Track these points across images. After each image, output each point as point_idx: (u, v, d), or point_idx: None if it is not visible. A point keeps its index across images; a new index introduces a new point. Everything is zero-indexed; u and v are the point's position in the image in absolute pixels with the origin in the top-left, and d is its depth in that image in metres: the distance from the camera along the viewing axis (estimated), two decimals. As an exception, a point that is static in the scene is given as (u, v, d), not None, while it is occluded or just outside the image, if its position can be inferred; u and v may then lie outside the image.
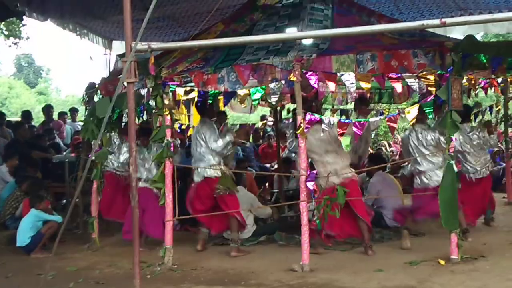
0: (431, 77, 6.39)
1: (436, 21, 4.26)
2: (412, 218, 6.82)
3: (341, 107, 10.66)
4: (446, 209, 5.76)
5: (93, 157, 6.77)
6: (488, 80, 8.03)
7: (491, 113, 9.11)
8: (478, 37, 12.55)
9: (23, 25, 13.23)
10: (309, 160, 6.31)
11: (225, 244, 6.96)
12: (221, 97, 7.54)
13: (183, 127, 9.52)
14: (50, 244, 6.94)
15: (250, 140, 11.93)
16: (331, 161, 6.37)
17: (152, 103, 7.25)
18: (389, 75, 6.14)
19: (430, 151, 6.53)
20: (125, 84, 4.62)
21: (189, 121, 11.27)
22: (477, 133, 7.30)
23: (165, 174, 6.33)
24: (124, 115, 7.49)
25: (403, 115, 6.13)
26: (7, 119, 11.81)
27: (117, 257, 6.66)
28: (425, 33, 6.80)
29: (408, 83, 6.40)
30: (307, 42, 6.67)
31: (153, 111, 7.07)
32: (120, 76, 4.68)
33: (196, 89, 6.70)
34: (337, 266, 5.97)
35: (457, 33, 9.50)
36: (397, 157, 12.35)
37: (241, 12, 7.81)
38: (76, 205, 7.38)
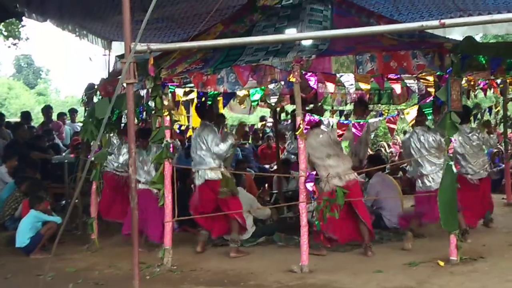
0: (431, 78, 6.41)
1: (435, 22, 4.25)
2: (419, 222, 6.68)
3: (341, 108, 10.68)
4: (445, 210, 5.75)
5: (93, 158, 6.77)
6: (487, 81, 8.04)
7: (490, 114, 9.10)
8: (477, 38, 12.56)
9: (23, 26, 13.18)
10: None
11: (225, 245, 6.95)
12: (220, 98, 7.53)
13: (183, 128, 9.51)
14: (49, 245, 6.92)
15: (250, 141, 11.94)
16: (334, 165, 6.35)
17: (151, 104, 7.25)
18: (389, 76, 6.14)
19: (432, 153, 6.44)
20: (125, 85, 4.61)
21: (188, 122, 11.27)
22: (477, 134, 7.29)
23: (164, 175, 6.33)
24: (123, 116, 7.48)
25: (402, 116, 6.11)
26: (6, 119, 11.81)
27: (117, 258, 6.65)
28: (425, 34, 6.79)
29: (408, 84, 6.40)
30: (306, 43, 6.66)
31: (153, 112, 7.06)
32: (120, 77, 4.66)
33: (195, 90, 6.70)
34: (336, 267, 5.96)
35: (456, 34, 9.52)
36: (397, 158, 12.37)
37: (241, 13, 7.80)
38: (76, 206, 7.38)
